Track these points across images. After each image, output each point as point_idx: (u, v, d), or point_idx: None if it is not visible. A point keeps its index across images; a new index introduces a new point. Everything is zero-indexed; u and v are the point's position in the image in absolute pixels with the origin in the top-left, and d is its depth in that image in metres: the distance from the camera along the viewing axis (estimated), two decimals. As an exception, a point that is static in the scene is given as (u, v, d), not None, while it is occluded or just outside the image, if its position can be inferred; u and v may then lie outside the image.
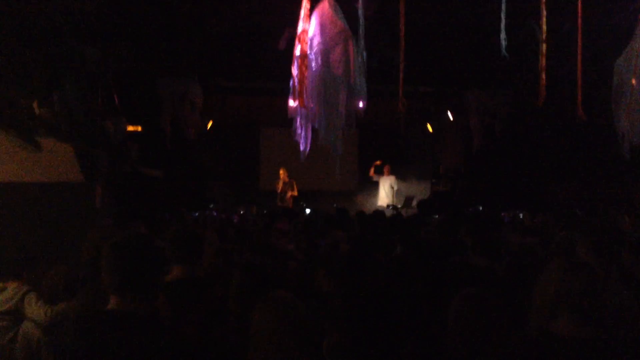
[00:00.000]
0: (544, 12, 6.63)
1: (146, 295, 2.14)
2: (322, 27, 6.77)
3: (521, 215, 8.24)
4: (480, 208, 10.42)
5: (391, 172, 13.60)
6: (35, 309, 3.71)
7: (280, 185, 12.83)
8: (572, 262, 2.43)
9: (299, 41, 6.63)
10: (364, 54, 6.95)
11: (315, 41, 6.75)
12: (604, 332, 2.31)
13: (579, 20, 6.60)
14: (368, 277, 3.17)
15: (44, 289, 3.79)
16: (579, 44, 6.72)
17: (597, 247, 3.68)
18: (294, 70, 6.75)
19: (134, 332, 2.05)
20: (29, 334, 3.68)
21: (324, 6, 6.82)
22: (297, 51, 6.67)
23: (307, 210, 11.05)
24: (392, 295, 1.75)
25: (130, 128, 9.52)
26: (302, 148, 7.15)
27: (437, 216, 8.65)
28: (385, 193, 13.44)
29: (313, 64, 6.75)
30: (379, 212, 8.50)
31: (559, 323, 2.32)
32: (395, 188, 13.54)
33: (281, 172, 12.86)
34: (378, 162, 13.54)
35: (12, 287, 3.93)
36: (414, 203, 12.36)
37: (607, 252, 3.53)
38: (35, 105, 5.81)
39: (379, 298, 1.73)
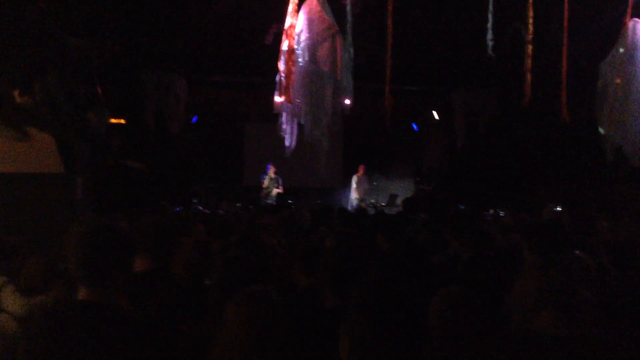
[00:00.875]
0: (530, 14, 6.68)
1: (114, 285, 2.13)
2: (310, 22, 6.75)
3: (501, 214, 8.28)
4: (462, 207, 10.48)
5: (366, 172, 13.65)
6: (12, 301, 3.64)
7: (267, 181, 12.76)
8: (550, 259, 2.44)
9: (287, 36, 6.60)
10: (351, 50, 6.95)
11: (303, 36, 6.72)
12: (583, 330, 2.32)
13: (565, 23, 6.65)
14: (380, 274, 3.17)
15: (22, 281, 3.73)
16: (565, 45, 6.77)
17: (537, 248, 3.73)
18: (281, 65, 6.72)
19: (103, 322, 2.04)
20: (5, 327, 3.61)
21: (312, 2, 6.80)
22: (284, 46, 6.64)
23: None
24: (408, 291, 1.71)
25: (114, 121, 9.40)
26: (287, 144, 7.13)
27: (421, 215, 8.66)
28: (357, 192, 13.51)
29: (300, 59, 6.73)
30: (362, 210, 8.49)
31: (539, 321, 2.33)
32: (367, 187, 13.64)
33: (273, 169, 12.74)
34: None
35: (-11, 278, 3.86)
36: (398, 201, 12.39)
37: (550, 252, 3.56)
38: (16, 94, 5.71)
39: (398, 294, 1.69)
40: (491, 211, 8.75)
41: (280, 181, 12.84)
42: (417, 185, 13.88)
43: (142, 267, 3.02)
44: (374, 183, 14.22)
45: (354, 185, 13.46)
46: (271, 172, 12.75)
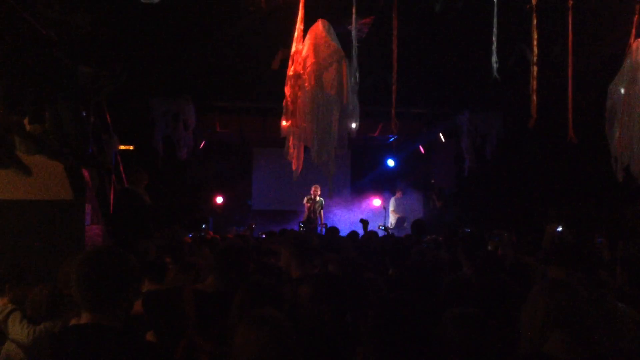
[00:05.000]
0: (535, 35, 6.71)
1: (118, 309, 2.14)
2: (316, 47, 6.81)
3: (505, 235, 8.20)
4: (468, 230, 10.43)
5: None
6: (18, 329, 3.64)
7: (312, 204, 12.36)
8: (557, 283, 2.42)
9: (292, 61, 6.66)
10: (357, 75, 6.99)
11: (309, 61, 6.78)
12: (595, 352, 2.29)
13: (570, 43, 6.68)
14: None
15: (28, 308, 3.73)
16: (570, 66, 6.78)
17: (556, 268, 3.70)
18: (287, 90, 6.78)
19: (107, 345, 2.06)
20: (12, 355, 3.60)
21: (318, 27, 6.87)
22: (291, 71, 6.70)
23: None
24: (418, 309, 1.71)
25: (122, 147, 9.46)
26: (294, 168, 7.14)
27: (428, 237, 8.62)
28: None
29: (306, 84, 6.78)
30: (372, 233, 8.45)
31: (551, 344, 2.29)
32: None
33: (314, 189, 12.35)
34: None
35: (-2, 304, 3.86)
36: (406, 224, 12.35)
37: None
38: (25, 121, 5.77)
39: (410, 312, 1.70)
40: (505, 234, 8.71)
41: (322, 205, 12.36)
42: (425, 207, 13.83)
43: (214, 287, 3.19)
44: (383, 207, 14.20)
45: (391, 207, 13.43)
46: (316, 194, 12.28)
